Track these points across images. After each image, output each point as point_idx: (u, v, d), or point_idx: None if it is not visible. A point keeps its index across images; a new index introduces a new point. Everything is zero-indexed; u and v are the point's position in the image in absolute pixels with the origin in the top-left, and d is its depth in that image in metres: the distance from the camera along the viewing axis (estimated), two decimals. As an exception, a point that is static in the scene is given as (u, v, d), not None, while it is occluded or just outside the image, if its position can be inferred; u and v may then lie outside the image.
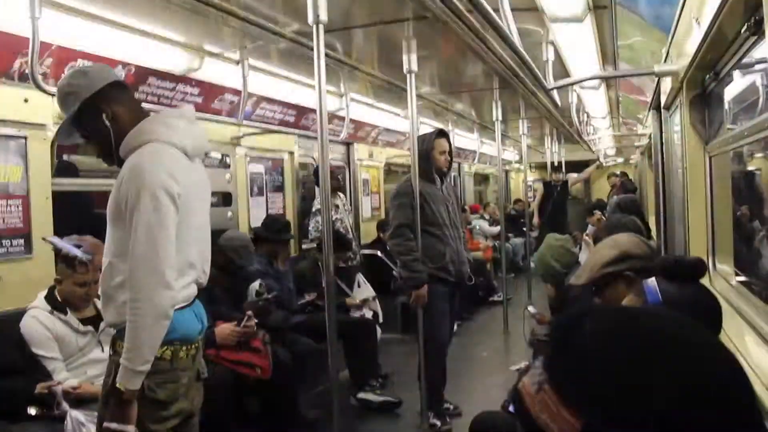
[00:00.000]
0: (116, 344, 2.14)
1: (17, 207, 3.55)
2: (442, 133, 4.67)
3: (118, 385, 1.99)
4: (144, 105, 2.32)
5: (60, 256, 3.17)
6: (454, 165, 11.65)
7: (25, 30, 2.99)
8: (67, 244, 3.10)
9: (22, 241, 3.57)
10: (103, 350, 3.21)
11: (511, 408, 0.84)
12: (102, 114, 2.18)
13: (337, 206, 6.25)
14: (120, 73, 3.54)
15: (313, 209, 6.22)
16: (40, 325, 3.12)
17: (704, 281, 3.07)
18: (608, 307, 0.85)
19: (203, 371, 2.35)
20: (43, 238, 2.97)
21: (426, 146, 4.49)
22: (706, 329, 0.79)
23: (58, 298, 3.21)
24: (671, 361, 0.72)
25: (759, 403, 0.75)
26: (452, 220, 4.56)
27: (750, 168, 3.45)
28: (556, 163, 12.01)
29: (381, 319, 5.94)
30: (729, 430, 0.70)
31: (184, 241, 2.13)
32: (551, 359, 0.80)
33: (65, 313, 3.19)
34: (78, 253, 3.05)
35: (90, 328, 3.24)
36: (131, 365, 1.98)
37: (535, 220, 10.58)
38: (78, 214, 4.45)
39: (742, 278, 3.03)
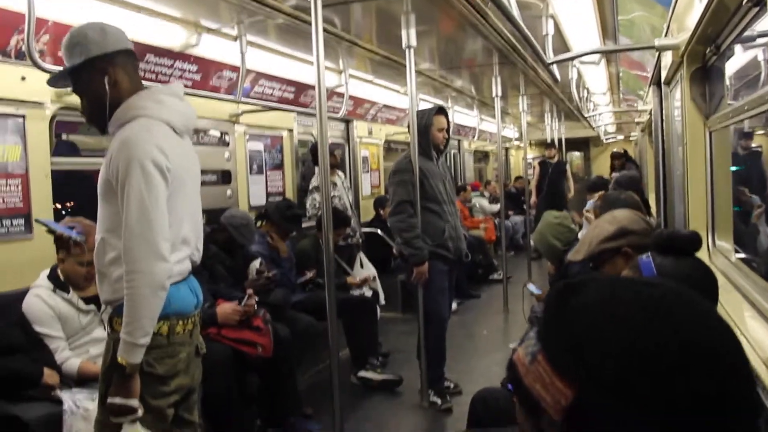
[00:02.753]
0: (113, 322, 2.16)
1: (17, 186, 3.54)
2: (441, 110, 4.64)
3: (119, 359, 2.00)
4: (142, 82, 2.29)
5: (55, 238, 3.17)
6: (454, 142, 11.65)
7: (21, 6, 2.97)
8: (60, 226, 3.10)
9: (22, 220, 3.56)
10: (105, 329, 3.22)
11: (510, 385, 0.84)
12: (105, 77, 2.16)
13: (335, 184, 6.24)
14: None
15: (310, 187, 6.22)
16: (43, 304, 3.13)
17: (704, 257, 3.08)
18: (600, 276, 0.85)
19: (202, 347, 2.36)
20: (36, 220, 2.95)
21: (425, 122, 4.47)
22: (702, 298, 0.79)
23: (61, 277, 3.22)
24: (665, 329, 0.72)
25: (755, 373, 0.75)
26: (449, 196, 4.57)
27: (751, 143, 3.44)
28: (555, 141, 11.99)
29: (382, 300, 5.96)
30: (724, 397, 0.70)
31: (177, 217, 2.14)
32: (545, 329, 0.80)
33: (68, 292, 3.19)
34: (72, 233, 3.05)
35: (92, 306, 3.24)
36: (131, 338, 1.99)
37: (533, 199, 10.57)
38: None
39: (742, 255, 3.03)
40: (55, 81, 2.31)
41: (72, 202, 5.16)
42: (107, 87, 2.16)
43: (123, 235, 2.01)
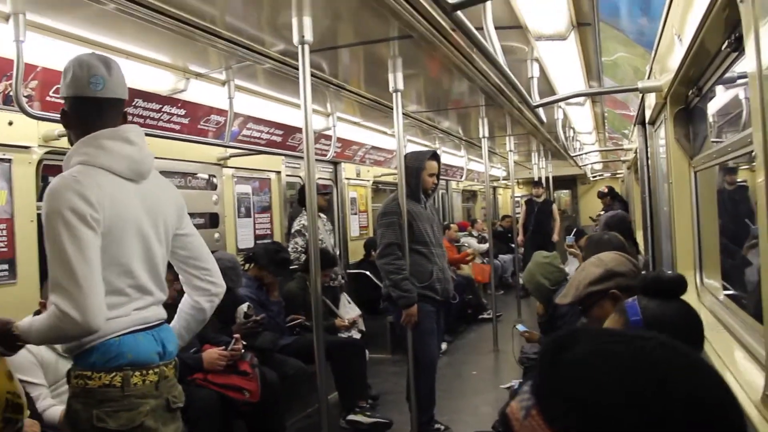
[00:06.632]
0: (69, 375, 2.11)
1: (2, 231, 3.52)
2: (434, 156, 4.70)
3: (17, 332, 2.03)
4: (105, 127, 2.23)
5: None
6: (442, 182, 11.71)
7: (10, 52, 2.98)
8: None
9: (6, 266, 3.54)
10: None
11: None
12: (65, 115, 2.20)
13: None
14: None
15: (293, 230, 6.21)
16: (26, 351, 3.05)
17: (692, 296, 3.09)
18: (596, 329, 0.84)
19: (175, 401, 2.22)
20: None
21: (417, 165, 4.51)
22: (694, 349, 0.78)
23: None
24: (660, 384, 0.72)
25: (748, 420, 0.74)
26: (436, 238, 4.59)
27: (736, 181, 3.47)
28: (543, 179, 12.05)
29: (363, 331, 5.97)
30: None
31: (123, 266, 2.07)
32: (539, 383, 0.79)
33: (49, 339, 3.15)
34: None
35: (75, 353, 3.20)
36: (22, 334, 2.03)
37: (519, 237, 10.58)
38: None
39: (730, 292, 3.03)
40: None
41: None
42: (71, 136, 2.20)
43: (50, 290, 1.94)
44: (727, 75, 2.55)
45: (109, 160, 2.10)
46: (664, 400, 0.70)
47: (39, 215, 3.71)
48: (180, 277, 2.44)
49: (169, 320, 2.30)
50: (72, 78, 2.15)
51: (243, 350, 3.91)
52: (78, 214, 1.94)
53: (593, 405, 0.71)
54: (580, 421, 0.72)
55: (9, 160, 3.58)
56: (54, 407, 3.05)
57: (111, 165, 2.09)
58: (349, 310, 6.02)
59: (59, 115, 2.23)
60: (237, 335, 3.95)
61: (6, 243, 3.54)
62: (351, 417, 4.91)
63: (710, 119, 3.17)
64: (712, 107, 3.12)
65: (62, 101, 2.21)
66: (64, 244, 1.91)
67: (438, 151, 6.70)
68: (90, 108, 2.16)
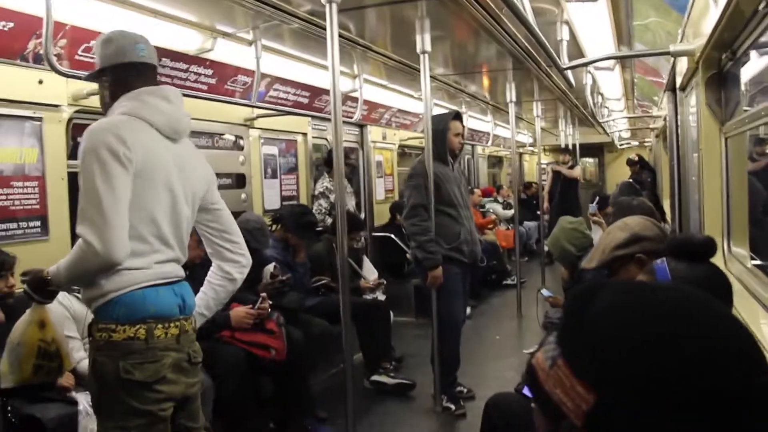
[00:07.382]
0: (92, 329, 2.15)
1: (33, 188, 3.58)
2: (457, 116, 4.67)
3: (49, 276, 2.12)
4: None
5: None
6: (468, 147, 11.64)
7: (39, 10, 3.00)
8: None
9: (38, 222, 3.60)
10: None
11: (525, 390, 0.83)
12: (105, 90, 2.28)
13: (332, 190, 6.22)
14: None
15: (316, 192, 6.24)
16: (58, 304, 3.13)
17: (719, 263, 3.07)
18: (621, 281, 0.85)
19: (195, 355, 2.29)
20: None
21: (442, 127, 4.49)
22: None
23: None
24: (683, 330, 0.72)
25: None
26: (464, 200, 4.58)
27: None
28: (569, 146, 11.93)
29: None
30: (745, 394, 0.70)
31: (148, 213, 2.12)
32: (565, 333, 0.80)
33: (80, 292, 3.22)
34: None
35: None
36: (53, 277, 2.12)
37: (545, 205, 10.50)
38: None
39: (758, 261, 3.01)
40: (90, 78, 2.40)
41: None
42: (107, 99, 2.26)
43: (77, 221, 2.03)
44: (763, 39, 2.50)
45: (150, 113, 2.19)
46: (690, 348, 0.71)
47: (69, 173, 3.77)
48: (209, 249, 2.49)
49: (189, 280, 2.34)
50: (117, 47, 2.26)
51: (269, 309, 3.96)
52: (112, 151, 2.02)
53: (618, 353, 0.72)
54: (603, 369, 0.73)
55: (40, 119, 3.61)
56: (87, 359, 3.13)
57: (152, 118, 2.18)
58: (369, 271, 6.05)
59: (98, 89, 2.34)
60: (263, 294, 3.99)
61: (38, 200, 3.59)
62: (375, 377, 4.97)
63: (743, 86, 3.12)
64: (746, 73, 3.06)
65: (95, 71, 2.29)
66: (95, 178, 2.00)
67: (463, 114, 6.66)
68: (133, 72, 2.26)
